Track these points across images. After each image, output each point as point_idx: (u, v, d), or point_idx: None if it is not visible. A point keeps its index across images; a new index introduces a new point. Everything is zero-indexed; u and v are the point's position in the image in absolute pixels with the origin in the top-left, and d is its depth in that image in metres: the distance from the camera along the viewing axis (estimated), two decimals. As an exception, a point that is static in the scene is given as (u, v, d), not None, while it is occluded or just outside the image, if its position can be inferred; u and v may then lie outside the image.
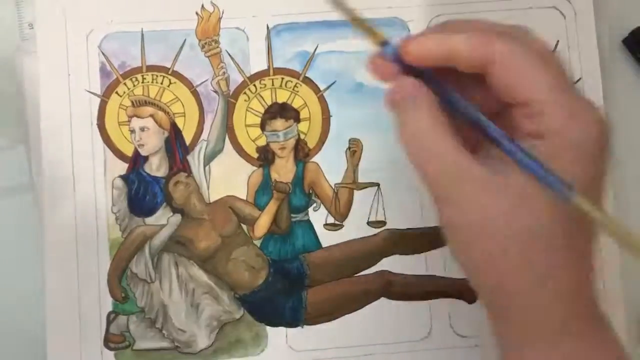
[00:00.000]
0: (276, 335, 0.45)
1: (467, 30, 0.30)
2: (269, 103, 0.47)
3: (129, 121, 0.46)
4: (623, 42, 0.49)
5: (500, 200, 0.28)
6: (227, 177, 0.46)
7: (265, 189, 0.46)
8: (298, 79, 0.47)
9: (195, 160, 0.46)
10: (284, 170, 0.47)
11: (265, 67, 0.47)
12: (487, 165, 0.29)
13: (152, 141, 0.46)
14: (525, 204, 0.28)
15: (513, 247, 0.28)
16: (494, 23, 0.32)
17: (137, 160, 0.46)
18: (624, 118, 0.49)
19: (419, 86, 0.31)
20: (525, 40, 0.30)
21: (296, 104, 0.47)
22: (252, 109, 0.47)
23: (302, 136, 0.47)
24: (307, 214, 0.47)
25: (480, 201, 0.29)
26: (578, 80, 0.48)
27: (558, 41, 0.48)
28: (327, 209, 0.47)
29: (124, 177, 0.45)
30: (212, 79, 0.46)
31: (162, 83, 0.46)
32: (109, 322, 0.44)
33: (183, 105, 0.46)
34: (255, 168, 0.46)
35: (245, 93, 0.47)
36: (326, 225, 0.47)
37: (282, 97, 0.47)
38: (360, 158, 0.47)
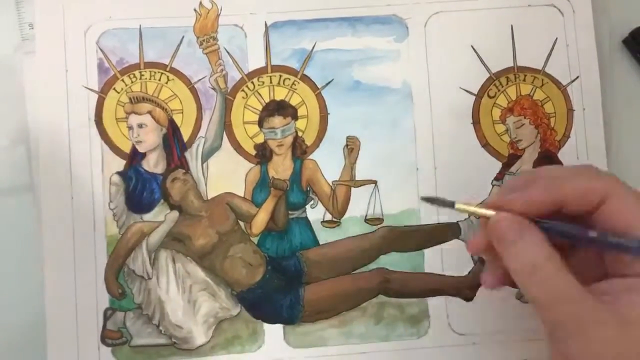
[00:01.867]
0: (273, 332, 0.45)
1: (573, 176, 0.32)
2: (267, 100, 0.47)
3: (127, 118, 0.46)
4: (623, 42, 0.50)
5: (630, 342, 0.28)
6: (224, 174, 0.46)
7: (262, 186, 0.46)
8: (296, 76, 0.47)
9: (193, 157, 0.46)
10: (281, 168, 0.47)
11: (263, 64, 0.47)
12: (608, 304, 0.29)
13: (149, 138, 0.46)
14: None
15: None
16: (566, 168, 0.34)
17: (134, 157, 0.46)
18: (624, 118, 0.49)
19: (524, 220, 0.31)
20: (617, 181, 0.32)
21: (294, 101, 0.47)
22: (250, 106, 0.47)
23: (299, 133, 0.47)
24: (304, 211, 0.47)
25: (608, 346, 0.28)
26: (576, 79, 0.48)
27: (556, 39, 0.48)
28: (324, 206, 0.47)
29: (121, 174, 0.45)
30: (210, 76, 0.46)
31: (160, 80, 0.46)
32: (105, 318, 0.44)
33: (181, 102, 0.46)
34: (252, 165, 0.46)
35: (243, 90, 0.47)
36: (324, 222, 0.47)
37: (280, 94, 0.47)
38: (357, 155, 0.47)
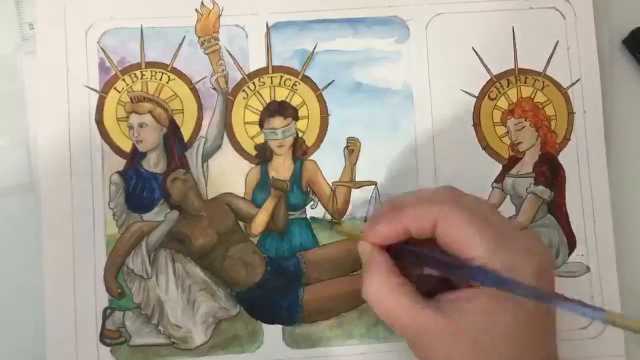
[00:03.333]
0: (272, 332, 0.45)
1: (412, 203, 0.36)
2: (268, 101, 0.47)
3: (128, 117, 0.46)
4: (623, 43, 0.50)
5: (458, 345, 0.33)
6: (225, 174, 0.46)
7: (262, 186, 0.46)
8: (297, 77, 0.47)
9: (193, 157, 0.46)
10: (282, 168, 0.47)
11: (264, 64, 0.47)
12: (441, 312, 0.34)
13: (150, 137, 0.46)
14: (477, 346, 0.33)
15: None
16: (428, 190, 0.38)
17: (135, 157, 0.46)
18: (624, 118, 0.49)
19: (375, 253, 0.37)
20: (461, 200, 0.36)
21: (295, 102, 0.47)
22: (251, 106, 0.47)
23: (300, 134, 0.47)
24: (304, 211, 0.47)
25: (439, 350, 0.34)
26: (577, 82, 0.48)
27: (557, 41, 0.48)
28: (324, 207, 0.47)
29: (121, 173, 0.45)
30: (211, 76, 0.46)
31: (161, 79, 0.46)
32: (105, 317, 0.44)
33: (182, 102, 0.46)
34: (253, 165, 0.46)
35: (244, 90, 0.47)
36: (324, 223, 0.47)
37: (281, 95, 0.47)
38: (358, 157, 0.47)
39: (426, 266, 0.37)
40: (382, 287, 0.35)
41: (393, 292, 0.35)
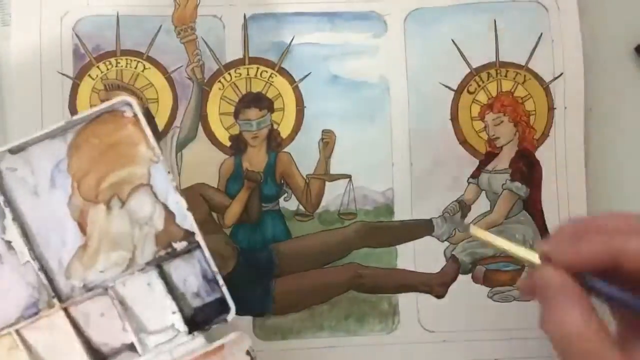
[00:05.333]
0: (243, 324, 0.45)
1: (601, 229, 0.30)
2: (244, 92, 0.47)
3: (102, 105, 0.46)
4: (635, 50, 0.48)
5: None
6: (198, 165, 0.46)
7: (236, 177, 0.46)
8: (273, 69, 0.47)
9: (167, 146, 0.46)
10: (256, 160, 0.47)
11: (240, 56, 0.47)
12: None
13: (124, 126, 0.46)
14: None
15: None
16: (624, 218, 0.31)
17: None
18: (635, 126, 0.48)
19: (571, 281, 0.30)
20: None
21: (271, 94, 0.47)
22: (227, 97, 0.47)
23: (275, 126, 0.47)
24: (277, 203, 0.47)
25: None
26: (560, 75, 0.47)
27: (541, 34, 0.48)
28: (298, 199, 0.47)
29: (94, 161, 0.45)
30: (187, 66, 0.46)
31: (136, 68, 0.46)
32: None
33: (157, 91, 0.46)
34: (227, 156, 0.46)
35: (220, 81, 0.47)
36: (297, 215, 0.47)
37: (257, 86, 0.47)
38: (332, 150, 0.47)
39: (613, 304, 0.32)
40: (589, 325, 0.29)
41: (600, 331, 0.29)
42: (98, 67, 0.46)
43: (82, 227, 0.36)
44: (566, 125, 0.47)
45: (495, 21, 0.48)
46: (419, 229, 0.47)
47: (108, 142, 0.36)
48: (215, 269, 0.36)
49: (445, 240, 0.47)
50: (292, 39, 0.47)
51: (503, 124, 0.47)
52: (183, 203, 0.36)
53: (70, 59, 0.46)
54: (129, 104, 0.35)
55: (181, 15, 0.47)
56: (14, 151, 0.36)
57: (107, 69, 0.46)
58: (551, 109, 0.48)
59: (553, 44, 0.48)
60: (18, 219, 0.36)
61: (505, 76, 0.48)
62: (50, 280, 0.36)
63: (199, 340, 0.36)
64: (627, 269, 0.29)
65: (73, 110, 0.46)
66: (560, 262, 0.30)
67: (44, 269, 0.36)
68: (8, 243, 0.35)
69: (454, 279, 0.46)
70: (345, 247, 0.47)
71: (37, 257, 0.36)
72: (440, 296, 0.46)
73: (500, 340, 0.46)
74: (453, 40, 0.47)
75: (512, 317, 0.46)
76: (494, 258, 0.47)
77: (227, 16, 0.47)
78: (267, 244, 0.46)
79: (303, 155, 0.47)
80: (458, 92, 0.48)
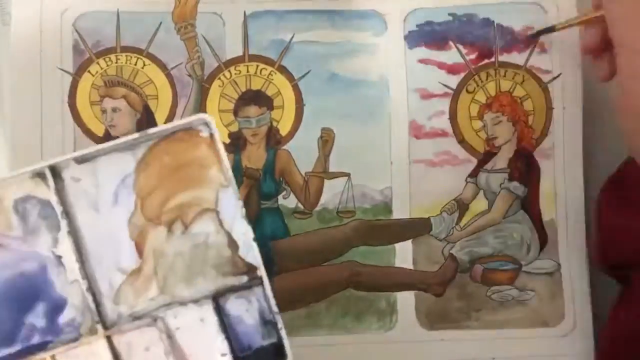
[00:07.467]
0: (240, 321, 0.45)
1: None
2: (243, 89, 0.47)
3: (101, 101, 0.46)
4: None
5: None
6: (197, 162, 0.46)
7: (235, 174, 0.46)
8: (273, 66, 0.47)
9: (166, 143, 0.46)
10: (255, 157, 0.47)
11: (240, 53, 0.47)
12: None
13: (123, 122, 0.46)
14: None
15: None
16: None
17: (107, 141, 0.45)
18: None
19: None
20: None
21: (270, 91, 0.47)
22: (226, 94, 0.47)
23: (274, 124, 0.47)
24: (276, 201, 0.47)
25: None
26: (558, 76, 0.48)
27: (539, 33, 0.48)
28: (297, 197, 0.47)
29: (93, 157, 0.45)
30: (187, 63, 0.46)
31: (136, 64, 0.46)
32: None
33: (156, 88, 0.46)
34: (226, 154, 0.46)
35: (219, 78, 0.47)
36: (295, 213, 0.47)
37: (257, 84, 0.47)
38: (331, 148, 0.47)
39: None
40: None
41: None
42: (98, 63, 0.46)
43: (139, 249, 0.33)
44: (565, 125, 0.48)
45: (494, 21, 0.48)
46: (417, 227, 0.47)
47: (180, 161, 0.33)
48: (275, 309, 0.33)
49: (444, 239, 0.47)
50: (292, 37, 0.47)
51: (502, 124, 0.48)
52: (250, 234, 0.33)
53: (70, 54, 0.46)
54: (207, 124, 0.33)
55: (181, 12, 0.47)
56: (79, 160, 0.33)
57: (107, 65, 0.46)
58: (550, 108, 0.48)
59: (552, 44, 0.48)
60: (73, 232, 0.33)
61: (504, 76, 0.48)
62: (97, 304, 0.33)
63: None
64: None
65: (72, 106, 0.46)
66: None
67: (92, 290, 0.33)
68: (58, 258, 0.33)
69: (452, 277, 0.47)
70: (343, 245, 0.47)
71: (88, 276, 0.33)
72: (438, 295, 0.46)
73: (498, 340, 0.46)
74: (453, 40, 0.48)
75: (510, 316, 0.46)
76: (493, 257, 0.47)
77: (227, 13, 0.47)
78: (265, 242, 0.46)
79: (302, 153, 0.47)
80: (457, 91, 0.48)
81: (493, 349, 0.46)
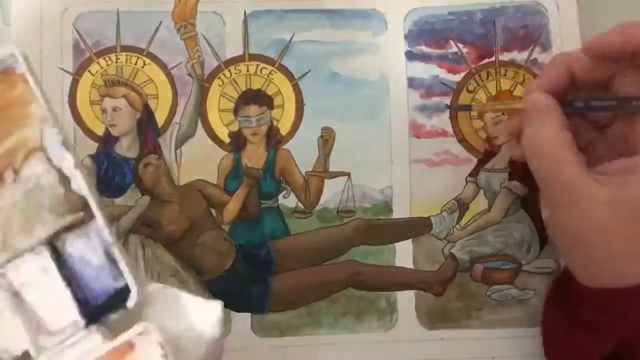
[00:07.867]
0: (241, 320, 0.45)
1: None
2: (243, 89, 0.47)
3: (101, 100, 0.46)
4: None
5: (616, 214, 0.31)
6: (197, 161, 0.46)
7: (235, 174, 0.46)
8: (273, 66, 0.47)
9: (166, 142, 0.46)
10: (255, 156, 0.47)
11: (240, 52, 0.47)
12: (602, 182, 0.32)
13: (123, 122, 0.46)
14: (636, 219, 0.31)
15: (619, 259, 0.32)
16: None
17: (107, 140, 0.46)
18: None
19: (551, 100, 0.35)
20: None
21: (270, 90, 0.47)
22: (226, 94, 0.47)
23: (274, 123, 0.47)
24: (276, 200, 0.47)
25: (593, 214, 0.32)
26: (559, 76, 0.47)
27: (540, 33, 0.48)
28: (297, 196, 0.47)
29: (93, 157, 0.45)
30: (187, 62, 0.46)
31: (136, 64, 0.46)
32: (72, 300, 0.44)
33: (156, 87, 0.46)
34: (226, 153, 0.46)
35: (219, 78, 0.47)
36: (296, 212, 0.47)
37: (257, 83, 0.47)
38: (332, 147, 0.47)
39: (595, 110, 0.38)
40: (556, 138, 0.34)
41: (566, 147, 0.33)
42: (98, 62, 0.46)
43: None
44: (564, 125, 0.47)
45: (494, 21, 0.48)
46: (418, 226, 0.47)
47: (1, 104, 0.30)
48: (109, 239, 0.29)
49: (444, 238, 0.47)
50: (292, 36, 0.47)
51: (502, 123, 0.47)
52: (71, 161, 0.29)
53: (70, 54, 0.46)
54: (16, 58, 0.30)
55: (181, 11, 0.47)
56: None
57: (107, 65, 0.46)
58: (550, 108, 0.48)
59: (552, 44, 0.48)
60: None
61: (505, 75, 0.48)
62: None
63: (96, 335, 0.29)
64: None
65: (72, 105, 0.45)
66: (539, 85, 0.37)
67: None
68: None
69: (453, 277, 0.47)
70: (343, 245, 0.47)
71: None
72: (438, 294, 0.46)
73: (499, 339, 0.46)
74: (453, 39, 0.48)
75: (510, 315, 0.46)
76: (493, 256, 0.47)
77: (228, 13, 0.47)
78: (265, 241, 0.46)
79: (302, 152, 0.47)
80: (457, 90, 0.48)
81: (493, 349, 0.46)
